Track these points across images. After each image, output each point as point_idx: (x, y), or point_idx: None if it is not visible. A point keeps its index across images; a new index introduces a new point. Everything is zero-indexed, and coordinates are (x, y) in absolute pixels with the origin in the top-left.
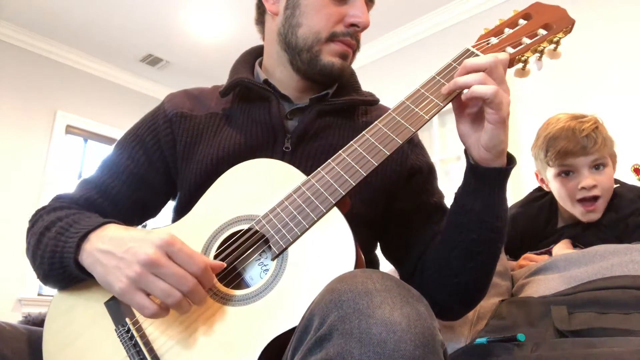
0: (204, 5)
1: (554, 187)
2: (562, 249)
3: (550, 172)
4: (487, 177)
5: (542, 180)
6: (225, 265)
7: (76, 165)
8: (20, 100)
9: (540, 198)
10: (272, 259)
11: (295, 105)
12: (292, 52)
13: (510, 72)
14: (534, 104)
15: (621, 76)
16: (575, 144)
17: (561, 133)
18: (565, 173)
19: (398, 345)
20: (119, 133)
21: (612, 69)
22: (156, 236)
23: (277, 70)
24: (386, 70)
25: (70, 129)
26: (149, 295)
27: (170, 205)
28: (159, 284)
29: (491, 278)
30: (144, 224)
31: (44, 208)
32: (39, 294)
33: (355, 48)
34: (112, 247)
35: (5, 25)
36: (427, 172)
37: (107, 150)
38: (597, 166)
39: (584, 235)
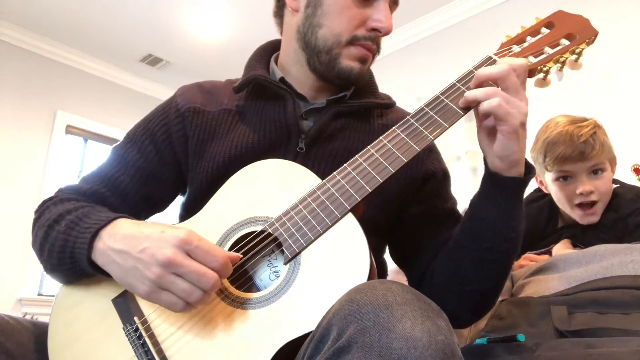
0: (204, 5)
1: (553, 190)
2: (561, 249)
3: (548, 176)
4: (503, 186)
5: (540, 183)
6: (242, 256)
7: (76, 165)
8: (20, 100)
9: (541, 198)
10: (285, 263)
11: (311, 105)
12: (311, 52)
13: (531, 82)
14: (534, 103)
15: (621, 76)
16: (573, 149)
17: (559, 138)
18: (564, 178)
19: None
20: (119, 133)
21: (612, 68)
22: (172, 235)
23: (294, 69)
24: (386, 70)
25: (70, 129)
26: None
27: (178, 200)
28: (179, 284)
29: (502, 287)
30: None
31: (50, 199)
32: (39, 294)
33: (375, 52)
34: (127, 246)
35: (5, 25)
36: (441, 178)
37: (107, 150)
38: (595, 171)
39: (583, 235)
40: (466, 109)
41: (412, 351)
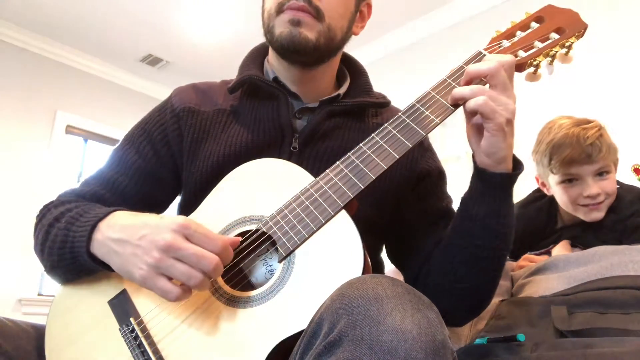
0: (204, 5)
1: (557, 192)
2: (560, 250)
3: (552, 179)
4: (492, 182)
5: (542, 184)
6: (240, 239)
7: (76, 165)
8: (20, 100)
9: (540, 199)
10: (279, 261)
11: (305, 104)
12: (267, 38)
13: (521, 76)
14: (531, 103)
15: (620, 75)
16: (580, 152)
17: (565, 140)
18: (569, 180)
19: (409, 353)
20: (119, 133)
21: (611, 68)
22: (170, 221)
23: (275, 64)
24: (386, 70)
25: (70, 129)
26: (170, 280)
27: (177, 201)
28: (179, 267)
29: (496, 284)
30: None
31: (51, 202)
32: (39, 294)
33: (307, 10)
34: (126, 235)
35: (5, 25)
36: (436, 177)
37: (107, 150)
38: (600, 173)
39: (583, 236)
40: (456, 105)
41: (402, 343)
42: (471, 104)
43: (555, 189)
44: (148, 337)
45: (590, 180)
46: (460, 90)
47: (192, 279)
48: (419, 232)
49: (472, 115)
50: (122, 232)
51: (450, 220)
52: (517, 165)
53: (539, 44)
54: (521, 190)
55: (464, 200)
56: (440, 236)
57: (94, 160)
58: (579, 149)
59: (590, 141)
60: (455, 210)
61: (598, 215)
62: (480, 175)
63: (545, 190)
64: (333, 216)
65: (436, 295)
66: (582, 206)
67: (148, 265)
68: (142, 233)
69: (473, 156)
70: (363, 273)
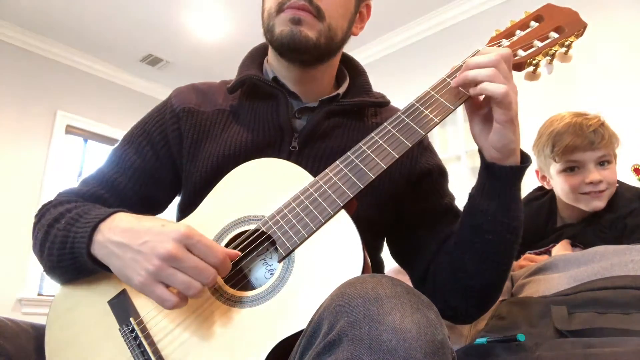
0: (204, 5)
1: (558, 182)
2: (560, 250)
3: (554, 168)
4: (502, 176)
5: (543, 178)
6: (240, 254)
7: (76, 165)
8: (20, 100)
9: (540, 197)
10: (279, 261)
11: (304, 104)
12: (266, 38)
13: (520, 75)
14: (531, 103)
15: (620, 75)
16: (583, 139)
17: (568, 128)
18: (571, 169)
19: (408, 352)
20: (119, 133)
21: (611, 68)
22: (173, 229)
23: (275, 64)
24: (386, 70)
25: (70, 129)
26: (167, 287)
27: (176, 201)
28: (179, 277)
29: (506, 279)
30: None
31: (50, 202)
32: (39, 294)
33: (308, 9)
34: (127, 239)
35: (5, 25)
36: (437, 174)
37: (107, 150)
38: (602, 162)
39: (583, 234)
40: (457, 102)
41: (401, 343)
42: (491, 88)
43: (556, 180)
44: (148, 337)
45: (592, 167)
46: (475, 72)
47: (191, 289)
48: (423, 231)
49: (477, 108)
50: (123, 235)
51: (453, 217)
52: (525, 158)
53: (538, 43)
54: (523, 188)
55: (472, 196)
56: (446, 233)
57: (94, 160)
58: (581, 136)
59: (593, 128)
60: (458, 207)
61: (599, 204)
62: (489, 169)
63: (545, 184)
64: (333, 216)
65: (445, 293)
66: (583, 194)
67: (147, 272)
68: (144, 239)
69: (480, 151)
70: (363, 272)
